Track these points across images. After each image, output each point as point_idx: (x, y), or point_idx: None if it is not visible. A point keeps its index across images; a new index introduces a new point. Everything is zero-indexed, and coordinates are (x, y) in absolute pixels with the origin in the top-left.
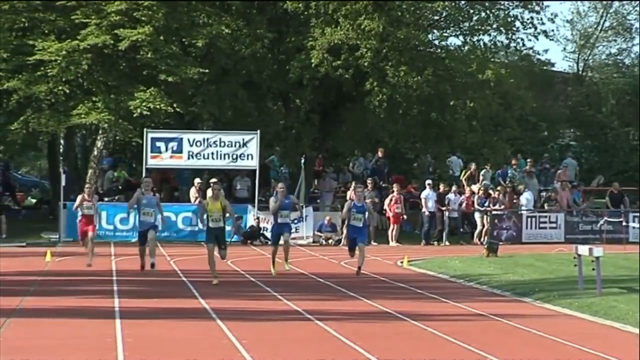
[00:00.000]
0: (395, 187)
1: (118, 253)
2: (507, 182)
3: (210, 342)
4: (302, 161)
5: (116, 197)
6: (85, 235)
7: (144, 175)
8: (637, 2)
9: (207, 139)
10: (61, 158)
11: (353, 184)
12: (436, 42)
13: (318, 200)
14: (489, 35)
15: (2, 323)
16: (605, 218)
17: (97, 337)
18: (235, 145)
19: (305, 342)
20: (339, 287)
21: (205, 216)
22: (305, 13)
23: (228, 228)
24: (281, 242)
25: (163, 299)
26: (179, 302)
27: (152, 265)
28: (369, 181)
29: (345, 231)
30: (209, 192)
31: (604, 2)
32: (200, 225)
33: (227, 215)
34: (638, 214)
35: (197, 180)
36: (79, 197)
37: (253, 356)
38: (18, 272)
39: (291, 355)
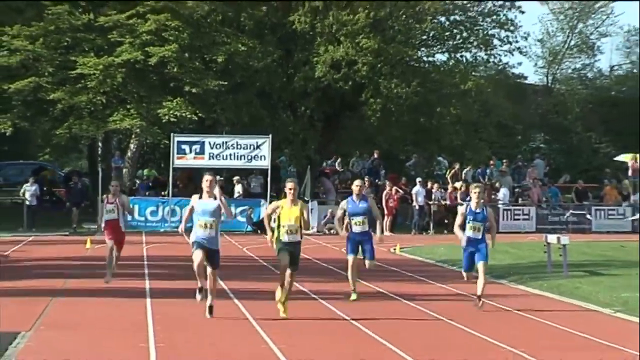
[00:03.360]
0: (388, 185)
1: (148, 241)
2: (485, 180)
3: (228, 318)
4: (309, 163)
5: (147, 193)
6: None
7: (170, 173)
8: (601, 21)
9: (226, 142)
10: (99, 159)
11: (468, 184)
12: (424, 57)
13: (323, 195)
14: (470, 52)
15: (48, 302)
16: (571, 211)
17: (130, 314)
18: (250, 148)
19: (311, 318)
20: (341, 270)
21: (273, 225)
22: (311, 33)
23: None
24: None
25: (188, 281)
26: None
27: (211, 308)
28: (366, 179)
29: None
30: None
31: (570, 24)
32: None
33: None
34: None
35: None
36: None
37: (266, 331)
38: (62, 258)
39: (298, 329)
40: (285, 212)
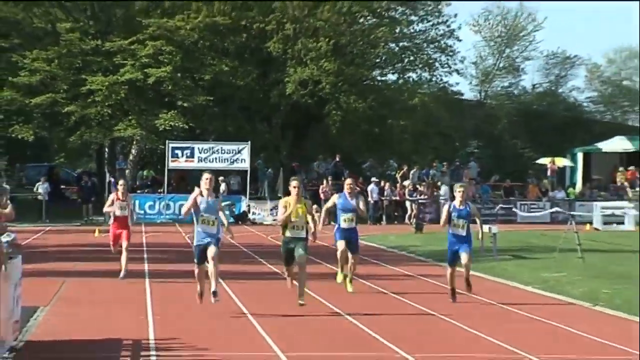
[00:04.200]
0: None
1: (147, 230)
2: (429, 179)
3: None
4: (281, 165)
5: (146, 190)
6: (117, 240)
7: (166, 174)
8: (524, 47)
9: (212, 148)
10: (106, 162)
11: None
12: (378, 77)
13: None
14: (416, 72)
15: (63, 282)
16: (500, 205)
17: (132, 292)
18: (232, 152)
19: (281, 295)
20: (312, 257)
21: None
22: (283, 57)
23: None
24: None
25: (181, 264)
26: (192, 266)
27: (215, 293)
28: (329, 178)
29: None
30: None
31: (499, 49)
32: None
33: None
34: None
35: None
36: (111, 197)
37: (245, 304)
38: (74, 244)
39: (272, 302)
40: (290, 209)
